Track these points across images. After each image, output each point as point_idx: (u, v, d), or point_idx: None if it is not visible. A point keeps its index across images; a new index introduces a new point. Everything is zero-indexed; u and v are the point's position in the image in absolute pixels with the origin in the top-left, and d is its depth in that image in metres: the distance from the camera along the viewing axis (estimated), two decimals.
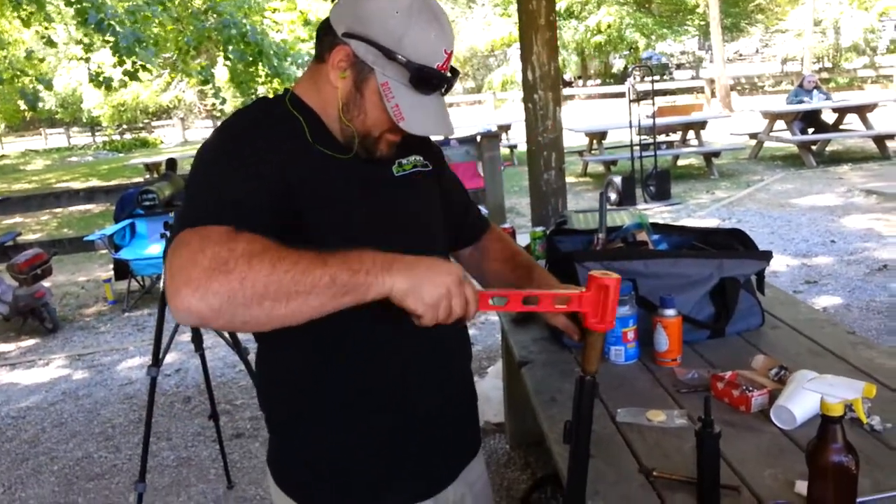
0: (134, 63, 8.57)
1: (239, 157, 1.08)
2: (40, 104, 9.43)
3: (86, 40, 9.50)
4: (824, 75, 21.92)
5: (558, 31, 4.06)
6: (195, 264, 0.91)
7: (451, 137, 5.19)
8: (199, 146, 1.16)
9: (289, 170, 1.10)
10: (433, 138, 1.31)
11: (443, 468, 1.32)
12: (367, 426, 1.21)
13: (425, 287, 0.99)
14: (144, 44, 8.37)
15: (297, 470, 1.26)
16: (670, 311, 1.71)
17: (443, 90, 1.15)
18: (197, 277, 0.90)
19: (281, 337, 1.04)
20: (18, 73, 10.97)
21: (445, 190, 1.37)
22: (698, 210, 8.03)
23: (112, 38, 8.14)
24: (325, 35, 1.16)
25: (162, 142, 25.94)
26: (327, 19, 1.16)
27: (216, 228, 0.97)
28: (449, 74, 1.15)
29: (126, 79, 8.97)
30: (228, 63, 9.60)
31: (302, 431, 1.23)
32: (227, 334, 2.91)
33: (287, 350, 1.20)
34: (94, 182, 15.89)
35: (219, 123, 1.18)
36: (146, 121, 29.73)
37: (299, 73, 10.91)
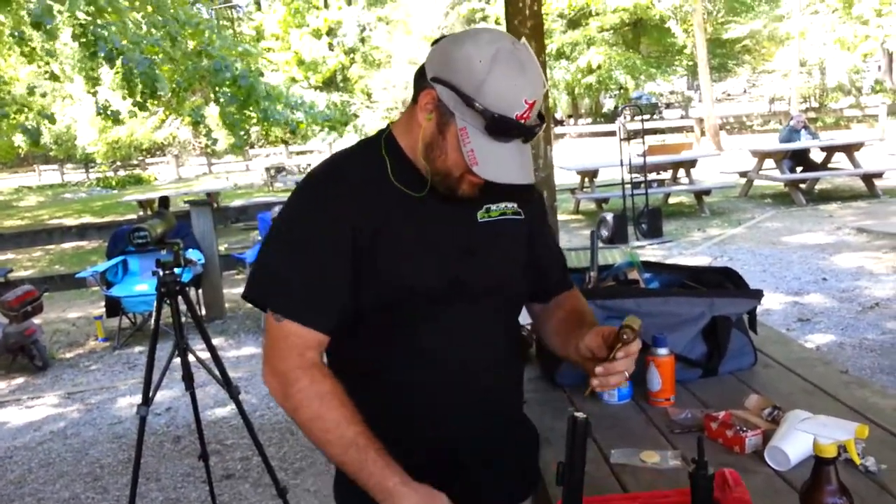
0: (143, 93, 8.66)
1: (315, 233, 1.21)
2: (42, 140, 9.51)
3: (91, 73, 9.60)
4: (811, 115, 22.22)
5: (549, 71, 4.12)
6: (273, 368, 1.22)
7: None
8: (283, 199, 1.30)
9: (362, 216, 1.20)
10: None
11: (483, 492, 1.31)
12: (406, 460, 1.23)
13: None
14: (158, 68, 8.49)
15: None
16: (663, 350, 1.71)
17: (524, 139, 1.17)
18: (270, 381, 1.23)
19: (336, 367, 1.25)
20: (22, 107, 11.05)
21: (532, 243, 1.37)
22: (690, 248, 8.07)
23: (122, 67, 8.23)
24: (420, 78, 1.20)
25: (156, 178, 26.00)
26: (423, 65, 1.21)
27: (299, 333, 1.20)
28: (531, 123, 1.15)
29: (136, 109, 9.07)
30: (219, 105, 9.70)
31: None
32: (216, 372, 2.89)
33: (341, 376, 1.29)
34: (87, 218, 15.90)
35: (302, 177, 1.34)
36: (140, 158, 29.83)
37: (294, 115, 11.03)
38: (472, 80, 1.12)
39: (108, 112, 9.10)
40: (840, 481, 1.04)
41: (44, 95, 15.82)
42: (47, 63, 10.23)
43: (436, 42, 1.21)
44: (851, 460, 1.32)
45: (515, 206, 1.31)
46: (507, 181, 1.16)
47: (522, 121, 1.14)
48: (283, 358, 1.20)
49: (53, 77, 10.76)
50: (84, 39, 8.27)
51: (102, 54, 8.04)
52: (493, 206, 1.29)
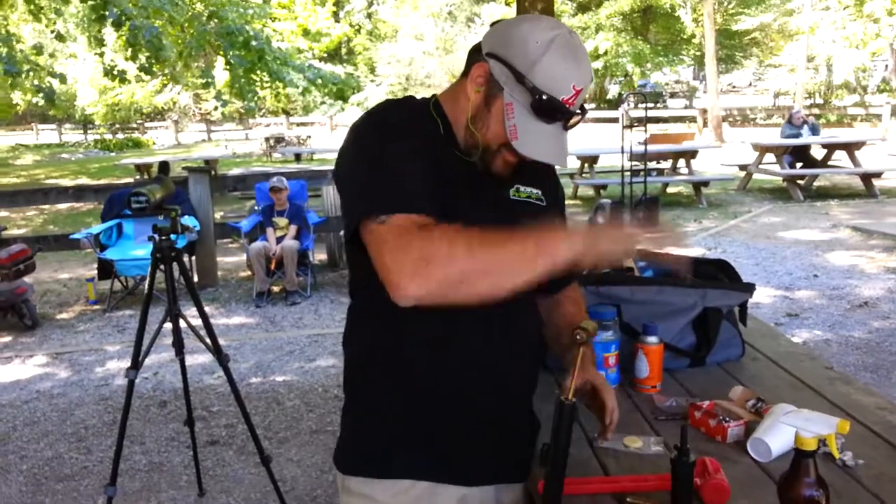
0: (148, 58, 8.61)
1: (407, 140, 1.17)
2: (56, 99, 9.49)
3: (97, 35, 9.53)
4: (815, 111, 22.22)
5: None
6: (406, 256, 1.05)
7: None
8: (349, 128, 1.25)
9: (437, 160, 1.19)
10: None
11: (482, 467, 1.32)
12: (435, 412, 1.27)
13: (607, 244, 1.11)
14: (163, 37, 8.44)
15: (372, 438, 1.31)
16: (652, 339, 1.71)
17: (565, 124, 1.19)
18: (411, 271, 1.04)
19: (363, 320, 1.27)
20: (35, 66, 10.95)
21: None
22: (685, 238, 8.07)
23: (130, 32, 8.17)
24: (474, 53, 1.24)
25: (154, 143, 25.85)
26: (479, 43, 1.24)
27: (408, 218, 1.09)
28: (573, 109, 1.18)
29: (142, 74, 9.02)
30: (229, 68, 9.64)
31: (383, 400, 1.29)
32: (208, 340, 2.88)
33: (369, 332, 1.29)
34: (84, 180, 15.83)
35: (366, 110, 1.29)
36: (139, 121, 29.65)
37: (299, 79, 10.94)
38: (527, 59, 1.15)
39: (116, 73, 9.03)
40: (818, 474, 1.06)
41: (52, 55, 15.68)
42: (54, 22, 10.13)
43: (495, 23, 1.25)
44: (830, 454, 1.34)
45: (540, 192, 1.34)
46: (543, 160, 1.19)
47: (567, 105, 1.17)
48: (407, 242, 1.07)
49: (59, 37, 10.66)
50: (94, 2, 8.18)
51: (112, 19, 7.98)
52: (523, 188, 1.31)
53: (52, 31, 10.50)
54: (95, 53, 10.14)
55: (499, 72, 1.17)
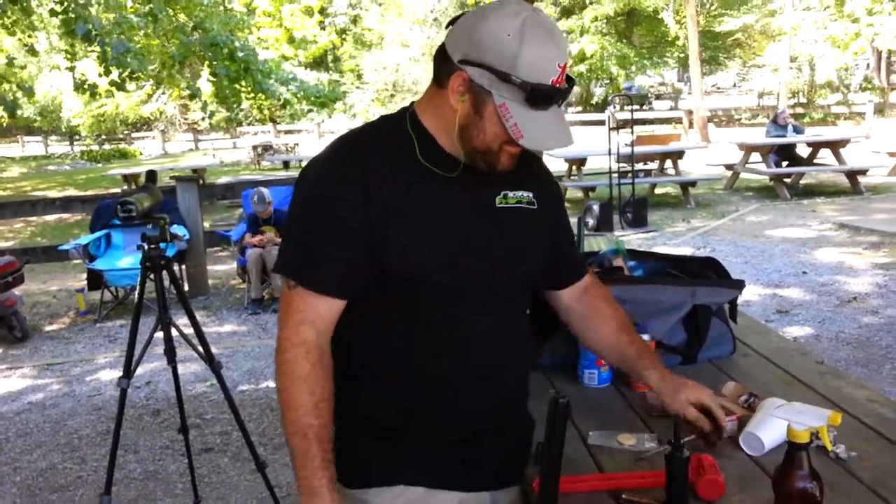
0: (121, 73, 8.55)
1: (326, 209, 1.21)
2: (19, 112, 9.38)
3: (70, 49, 9.46)
4: (799, 110, 22.39)
5: None
6: (282, 330, 1.25)
7: None
8: (298, 177, 1.31)
9: (382, 189, 1.19)
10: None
11: (477, 473, 1.33)
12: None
13: None
14: (134, 54, 8.37)
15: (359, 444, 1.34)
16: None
17: (560, 103, 1.19)
18: (278, 341, 1.25)
19: (353, 330, 1.27)
20: (2, 78, 10.90)
21: (551, 229, 1.40)
22: (674, 238, 8.13)
23: (99, 49, 8.12)
24: (442, 62, 1.20)
25: (141, 153, 25.72)
26: (443, 46, 1.20)
27: (308, 300, 1.22)
28: (564, 87, 1.17)
29: (113, 89, 8.96)
30: (214, 79, 9.61)
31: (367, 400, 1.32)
32: (200, 348, 2.88)
33: (349, 347, 1.31)
34: (71, 191, 15.73)
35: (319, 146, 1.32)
36: (126, 132, 29.49)
37: (283, 90, 10.94)
38: (505, 56, 1.12)
39: (86, 87, 8.97)
40: (812, 467, 1.06)
41: (23, 67, 15.60)
42: (29, 36, 10.06)
43: (452, 22, 1.20)
44: (823, 447, 1.35)
45: (531, 195, 1.32)
46: (553, 147, 1.19)
47: (558, 86, 1.15)
48: (284, 325, 1.24)
49: (32, 52, 10.59)
50: (63, 16, 8.13)
51: (81, 34, 7.92)
52: (511, 194, 1.29)
53: (25, 46, 10.44)
54: (67, 68, 10.06)
55: (479, 77, 1.14)
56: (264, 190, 6.30)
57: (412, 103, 1.30)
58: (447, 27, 1.21)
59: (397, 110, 1.31)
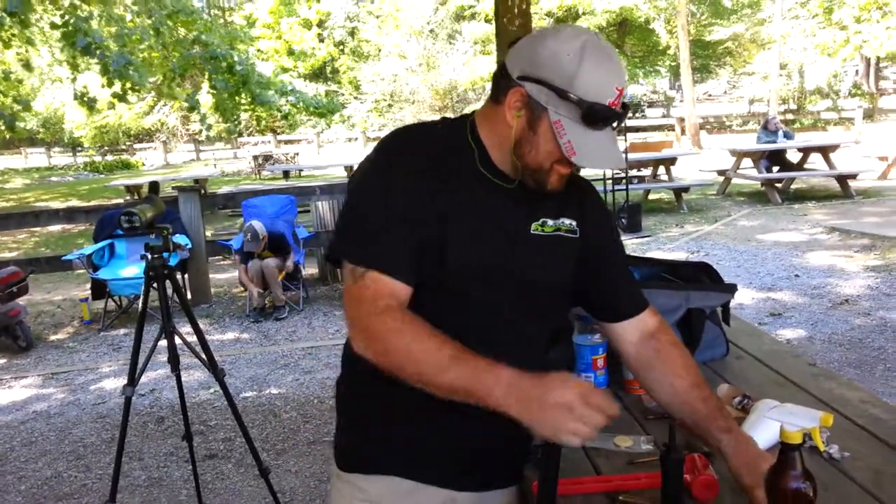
0: (123, 85, 8.61)
1: (397, 187, 1.20)
2: (20, 124, 9.44)
3: (72, 61, 9.52)
4: (789, 116, 22.55)
5: None
6: (358, 319, 1.19)
7: None
8: (378, 143, 1.28)
9: (443, 197, 1.21)
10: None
11: (471, 473, 1.35)
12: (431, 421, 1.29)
13: (541, 424, 1.07)
14: (135, 67, 8.42)
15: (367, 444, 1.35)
16: None
17: (614, 125, 1.20)
18: (360, 336, 1.19)
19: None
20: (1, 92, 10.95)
21: (597, 257, 1.38)
22: (668, 243, 8.19)
23: (100, 62, 8.18)
24: (502, 78, 1.22)
25: (143, 164, 25.74)
26: (503, 64, 1.22)
27: (380, 285, 1.17)
28: (620, 110, 1.18)
29: (115, 101, 9.03)
30: (213, 91, 9.69)
31: (377, 413, 1.33)
32: (203, 355, 2.93)
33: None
34: (74, 202, 15.73)
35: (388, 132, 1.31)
36: (128, 143, 29.50)
37: (282, 102, 11.01)
38: (564, 74, 1.14)
39: (85, 99, 9.02)
40: (804, 467, 1.07)
41: (20, 82, 15.63)
42: (26, 50, 10.11)
43: (513, 43, 1.23)
44: (816, 447, 1.37)
45: (574, 223, 1.32)
46: (604, 167, 1.21)
47: (615, 108, 1.17)
48: (357, 311, 1.18)
49: (28, 67, 10.65)
50: (64, 29, 8.18)
51: (81, 46, 7.98)
52: (551, 222, 1.29)
53: (21, 60, 10.48)
54: (69, 79, 10.13)
55: (537, 92, 1.16)
56: (257, 226, 6.11)
57: (473, 112, 1.31)
58: (509, 47, 1.24)
59: (458, 116, 1.33)
